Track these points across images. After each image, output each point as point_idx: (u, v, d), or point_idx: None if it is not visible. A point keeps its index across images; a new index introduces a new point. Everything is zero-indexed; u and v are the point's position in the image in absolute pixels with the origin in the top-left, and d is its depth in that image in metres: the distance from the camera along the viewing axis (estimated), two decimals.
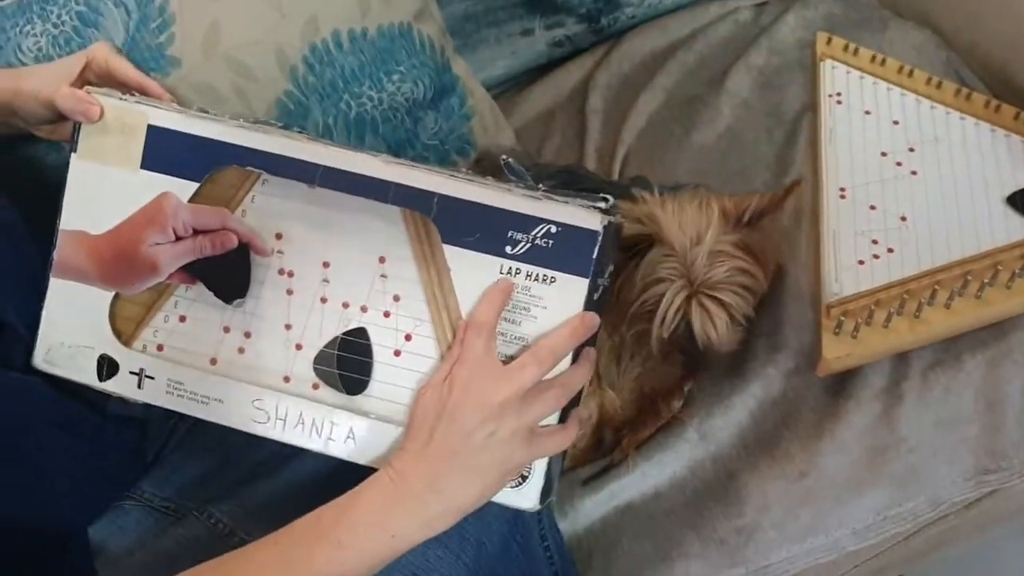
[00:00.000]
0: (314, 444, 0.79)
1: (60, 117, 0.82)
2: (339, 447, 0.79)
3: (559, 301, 0.75)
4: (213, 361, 0.82)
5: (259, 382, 0.80)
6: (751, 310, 0.89)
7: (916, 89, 1.08)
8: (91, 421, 0.87)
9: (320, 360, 0.80)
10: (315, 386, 0.80)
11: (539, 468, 0.77)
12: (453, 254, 0.76)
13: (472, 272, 0.76)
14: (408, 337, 0.79)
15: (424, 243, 0.78)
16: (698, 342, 0.87)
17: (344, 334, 0.80)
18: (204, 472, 0.93)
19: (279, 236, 0.80)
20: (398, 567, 0.72)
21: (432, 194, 0.75)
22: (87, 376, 0.83)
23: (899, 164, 1.02)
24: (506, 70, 1.21)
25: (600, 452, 0.98)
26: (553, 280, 0.75)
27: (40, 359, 0.83)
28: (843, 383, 0.95)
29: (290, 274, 0.81)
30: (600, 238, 0.74)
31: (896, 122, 1.05)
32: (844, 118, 1.06)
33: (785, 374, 0.96)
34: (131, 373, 0.82)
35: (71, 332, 0.83)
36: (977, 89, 1.10)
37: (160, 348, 0.82)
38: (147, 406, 0.84)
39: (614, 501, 0.94)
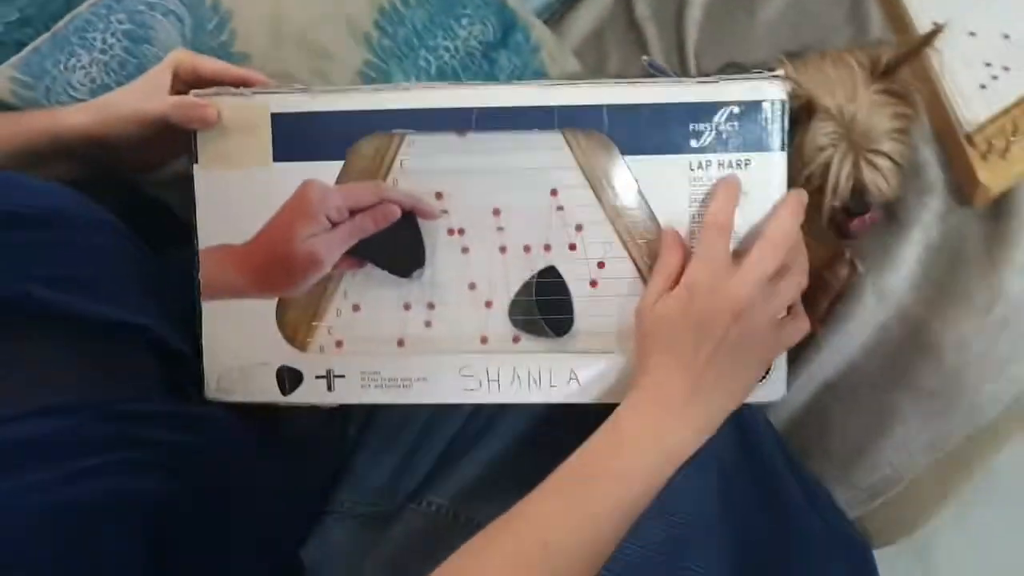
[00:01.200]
0: (536, 396, 0.76)
1: (157, 137, 0.75)
2: (563, 391, 0.75)
3: (760, 183, 0.72)
4: (401, 343, 0.77)
5: (458, 350, 0.76)
6: (911, 154, 0.87)
7: None
8: (278, 441, 0.82)
9: (515, 311, 0.76)
10: (516, 339, 0.76)
11: (780, 356, 0.75)
12: (635, 164, 0.73)
13: (660, 178, 0.73)
14: (601, 264, 0.75)
15: (596, 163, 0.74)
16: (870, 199, 0.84)
17: (534, 278, 0.76)
18: (398, 465, 0.88)
19: (439, 196, 0.76)
20: None
21: (600, 107, 0.72)
22: (269, 394, 0.78)
23: None
24: (542, 1, 1.17)
25: None
26: (748, 163, 0.72)
27: (212, 390, 0.78)
28: (998, 211, 0.93)
29: (460, 232, 0.76)
30: (788, 106, 0.71)
31: None
32: None
33: (940, 215, 0.94)
34: (317, 377, 0.77)
35: (239, 353, 0.77)
36: None
37: (339, 344, 0.77)
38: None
39: (812, 383, 0.92)
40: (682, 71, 1.10)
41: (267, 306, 0.76)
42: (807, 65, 0.86)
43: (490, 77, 1.01)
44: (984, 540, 1.26)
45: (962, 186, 0.94)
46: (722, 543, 0.69)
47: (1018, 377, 0.91)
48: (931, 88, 0.97)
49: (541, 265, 0.76)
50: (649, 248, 0.74)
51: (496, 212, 0.76)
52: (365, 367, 0.76)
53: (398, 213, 0.74)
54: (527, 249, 0.76)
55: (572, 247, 0.75)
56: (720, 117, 0.72)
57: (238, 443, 0.75)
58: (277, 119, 0.75)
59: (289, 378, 0.77)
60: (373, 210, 0.74)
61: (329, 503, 0.87)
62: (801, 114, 0.83)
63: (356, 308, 0.77)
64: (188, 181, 0.76)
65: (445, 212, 0.76)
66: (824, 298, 0.94)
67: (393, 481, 0.87)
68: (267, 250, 0.75)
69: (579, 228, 0.75)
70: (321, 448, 0.88)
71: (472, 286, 0.76)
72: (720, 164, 0.72)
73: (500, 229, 0.76)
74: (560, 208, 0.75)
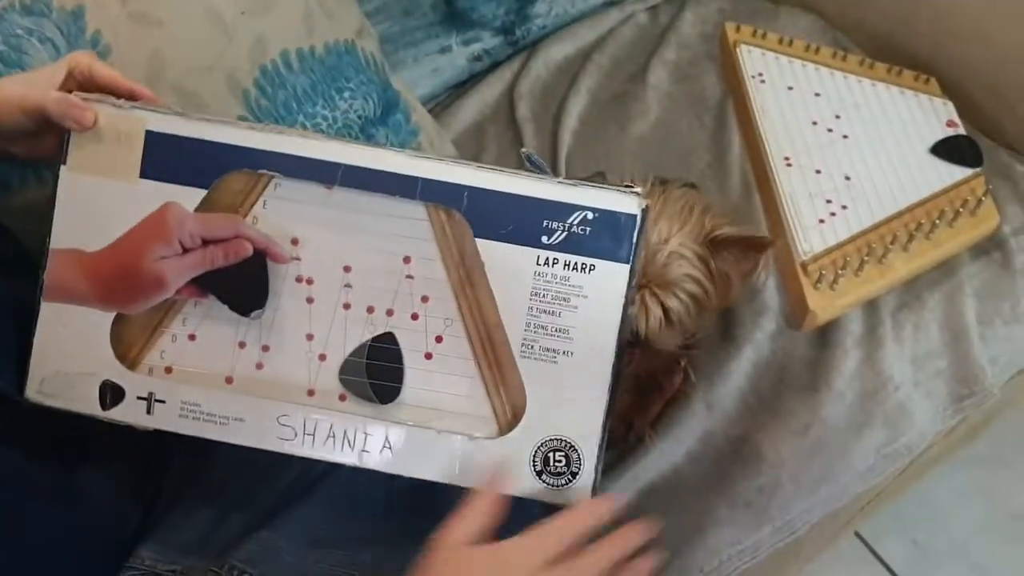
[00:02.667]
0: (347, 458, 0.76)
1: (42, 128, 0.74)
2: (375, 459, 0.76)
3: (600, 289, 0.75)
4: (229, 380, 0.77)
5: (282, 397, 0.76)
6: (691, 319, 0.87)
7: (827, 63, 1.16)
8: (68, 485, 0.79)
9: (346, 370, 0.77)
10: (342, 397, 0.77)
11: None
12: (486, 248, 0.75)
13: (507, 266, 0.75)
14: (439, 339, 0.77)
15: (451, 240, 0.76)
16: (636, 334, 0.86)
17: (371, 340, 0.77)
18: (210, 521, 0.86)
19: (295, 242, 0.77)
20: None
21: (462, 187, 0.74)
22: (89, 406, 0.76)
23: (830, 130, 1.09)
24: (430, 88, 1.21)
25: (610, 443, 0.98)
26: (593, 268, 0.74)
27: (33, 391, 0.76)
28: (824, 336, 0.99)
29: (309, 281, 0.77)
30: (639, 222, 0.74)
31: (817, 94, 1.12)
32: (770, 95, 1.12)
33: (771, 336, 1.00)
34: (139, 398, 0.76)
35: (68, 359, 0.76)
36: None
37: (168, 370, 0.77)
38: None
39: (637, 484, 0.94)
40: (552, 173, 1.14)
41: (105, 318, 0.75)
42: (663, 196, 0.90)
43: None
44: None
45: (794, 311, 0.99)
46: None
47: (828, 498, 0.95)
48: (775, 216, 1.03)
49: (381, 329, 0.77)
50: (489, 333, 0.76)
51: (347, 268, 0.77)
52: (187, 397, 0.75)
53: (250, 250, 0.74)
54: (370, 310, 0.76)
55: (414, 317, 0.77)
56: (574, 219, 0.75)
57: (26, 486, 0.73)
58: (151, 136, 0.74)
59: (112, 393, 0.76)
60: (227, 243, 0.74)
61: (131, 558, 0.84)
62: None
63: (192, 337, 0.77)
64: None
65: (297, 259, 0.76)
66: (658, 402, 0.97)
67: (201, 541, 0.85)
68: (116, 263, 0.73)
69: (424, 299, 0.76)
70: (128, 499, 0.85)
71: (310, 336, 0.77)
72: (566, 264, 0.75)
73: (348, 286, 0.77)
74: (410, 277, 0.76)
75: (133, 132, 0.74)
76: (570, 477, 0.76)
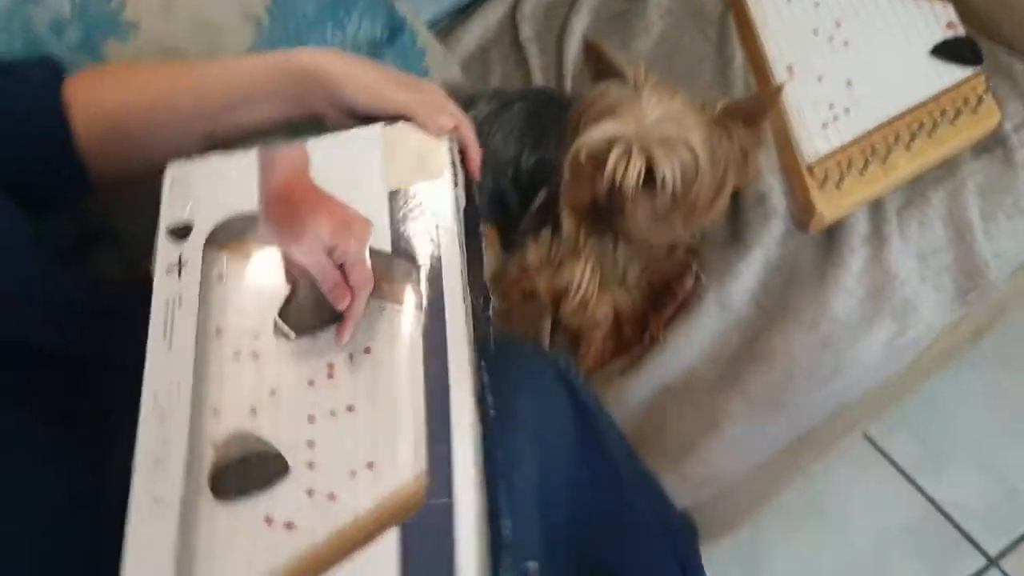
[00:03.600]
0: None
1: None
2: None
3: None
4: None
5: None
6: (673, 185, 0.87)
7: None
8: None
9: None
10: None
11: None
12: None
13: None
14: None
15: None
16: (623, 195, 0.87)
17: None
18: None
19: None
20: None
21: None
22: None
23: (831, 39, 1.10)
24: (431, 14, 1.22)
25: (625, 346, 1.02)
26: None
27: None
28: (831, 237, 1.02)
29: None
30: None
31: (817, 3, 1.13)
32: (770, 6, 1.14)
33: (779, 238, 1.02)
34: None
35: None
36: None
37: None
38: None
39: (653, 383, 0.98)
40: (560, 89, 1.16)
41: None
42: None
43: None
44: (811, 552, 1.34)
45: (800, 213, 1.02)
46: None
47: (839, 390, 0.99)
48: (780, 122, 1.06)
49: None
50: None
51: None
52: None
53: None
54: None
55: None
56: None
57: None
58: None
59: None
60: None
61: None
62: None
63: None
64: None
65: None
66: (671, 305, 1.00)
67: None
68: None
69: None
70: None
71: None
72: None
73: None
74: None
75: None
76: None
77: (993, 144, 1.06)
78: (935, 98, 1.05)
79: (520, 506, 0.75)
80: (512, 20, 1.24)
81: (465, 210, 0.70)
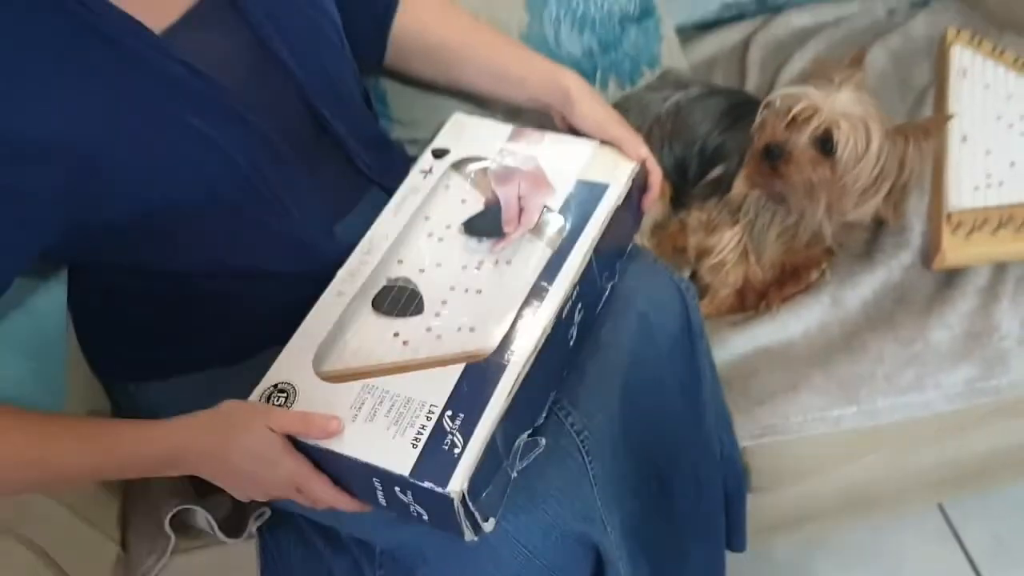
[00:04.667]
0: None
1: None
2: None
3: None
4: None
5: None
6: (840, 156, 1.04)
7: None
8: None
9: None
10: None
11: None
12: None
13: None
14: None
15: None
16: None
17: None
18: None
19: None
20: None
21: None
22: None
23: (1011, 126, 1.25)
24: (679, 21, 1.45)
25: (742, 308, 1.19)
26: None
27: None
28: (951, 279, 1.16)
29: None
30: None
31: (1011, 96, 1.29)
32: (967, 88, 1.30)
33: (905, 267, 1.18)
34: None
35: None
36: None
37: None
38: None
39: (755, 342, 1.14)
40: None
41: None
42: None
43: (617, 40, 1.29)
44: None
45: (929, 250, 1.17)
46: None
47: (912, 404, 1.12)
48: (939, 174, 1.21)
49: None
50: None
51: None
52: None
53: None
54: None
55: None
56: None
57: None
58: None
59: None
60: None
61: None
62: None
63: None
64: None
65: None
66: (792, 287, 1.17)
67: None
68: None
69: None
70: None
71: None
72: None
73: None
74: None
75: None
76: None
77: None
78: None
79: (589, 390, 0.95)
80: (745, 45, 1.45)
81: (620, 207, 0.93)
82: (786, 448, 1.11)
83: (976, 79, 1.31)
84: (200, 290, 0.95)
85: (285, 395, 0.82)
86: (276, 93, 0.92)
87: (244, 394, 0.83)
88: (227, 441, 0.79)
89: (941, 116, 1.15)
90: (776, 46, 1.44)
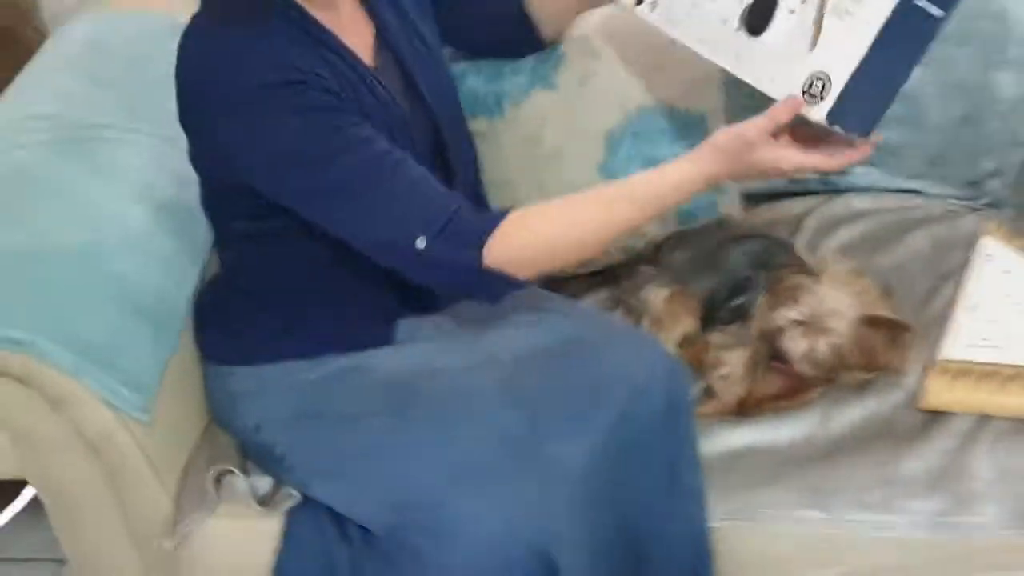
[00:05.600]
0: None
1: None
2: None
3: None
4: (692, 3, 1.21)
5: None
6: (826, 363, 1.27)
7: None
8: None
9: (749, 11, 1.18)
10: (736, 28, 1.19)
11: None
12: None
13: None
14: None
15: None
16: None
17: None
18: None
19: None
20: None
21: None
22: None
23: (1018, 305, 1.37)
24: (752, 187, 1.65)
25: (740, 414, 1.33)
26: None
27: None
28: (936, 420, 1.27)
29: None
30: None
31: (1009, 272, 1.42)
32: (990, 270, 1.43)
33: (895, 405, 1.30)
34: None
35: None
36: None
37: None
38: None
39: (744, 440, 1.28)
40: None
41: None
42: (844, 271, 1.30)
43: None
44: None
45: (917, 389, 1.29)
46: None
47: (879, 522, 1.20)
48: (939, 336, 1.34)
49: None
50: None
51: None
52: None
53: None
54: None
55: None
56: None
57: None
58: None
59: None
60: None
61: None
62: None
63: None
64: None
65: None
66: (789, 402, 1.31)
67: None
68: None
69: None
70: None
71: None
72: None
73: None
74: None
75: None
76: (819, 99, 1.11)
77: None
78: None
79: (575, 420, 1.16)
80: (806, 213, 1.65)
81: None
82: (753, 538, 1.22)
83: (999, 264, 1.45)
84: (334, 272, 1.22)
85: (822, 83, 1.11)
86: (422, 130, 1.24)
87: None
88: (738, 163, 1.12)
89: (905, 326, 1.31)
90: (831, 219, 1.63)
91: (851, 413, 1.29)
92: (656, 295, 1.43)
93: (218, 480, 1.25)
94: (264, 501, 1.24)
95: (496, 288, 1.14)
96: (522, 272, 1.12)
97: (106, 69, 1.48)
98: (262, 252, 1.24)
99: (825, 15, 1.13)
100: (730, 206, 1.57)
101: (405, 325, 1.29)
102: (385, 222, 1.10)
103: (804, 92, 1.13)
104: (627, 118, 1.46)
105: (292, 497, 1.23)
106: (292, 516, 1.23)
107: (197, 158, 1.22)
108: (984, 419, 1.27)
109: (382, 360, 1.25)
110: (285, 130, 1.08)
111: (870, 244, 1.57)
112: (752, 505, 1.22)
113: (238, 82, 1.08)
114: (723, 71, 1.22)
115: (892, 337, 1.28)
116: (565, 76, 1.46)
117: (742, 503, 1.22)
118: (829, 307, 1.25)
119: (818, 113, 1.11)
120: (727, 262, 1.43)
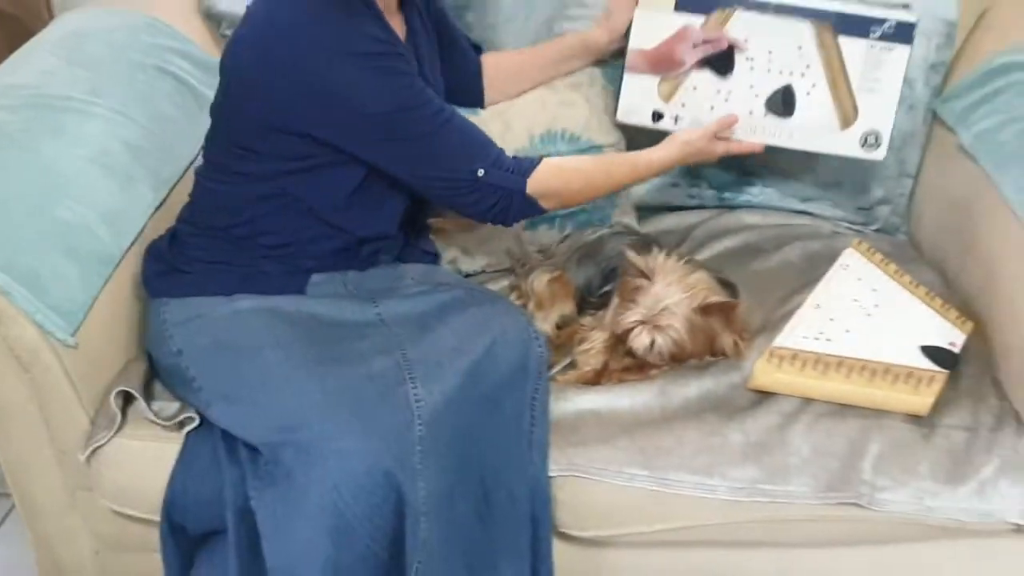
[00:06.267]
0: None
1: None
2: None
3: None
4: (711, 108, 1.60)
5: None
6: (669, 354, 1.45)
7: (901, 281, 1.59)
8: None
9: (769, 101, 1.61)
10: (764, 114, 1.63)
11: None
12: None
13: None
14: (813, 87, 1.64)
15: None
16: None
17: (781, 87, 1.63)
18: None
19: (745, 39, 1.62)
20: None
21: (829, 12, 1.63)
22: (644, 119, 1.68)
23: (863, 308, 1.52)
24: (649, 200, 1.84)
25: (595, 383, 1.48)
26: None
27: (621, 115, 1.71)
28: (764, 399, 1.42)
29: (749, 59, 1.59)
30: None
31: (875, 290, 1.56)
32: (842, 276, 1.59)
33: (730, 384, 1.45)
34: (670, 117, 1.66)
35: (638, 98, 1.67)
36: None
37: (683, 104, 1.63)
38: None
39: (591, 404, 1.43)
40: None
41: (655, 79, 1.67)
42: (675, 265, 1.46)
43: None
44: None
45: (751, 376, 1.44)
46: None
47: (700, 484, 1.35)
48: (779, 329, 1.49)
49: (785, 81, 1.64)
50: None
51: (769, 51, 1.63)
52: (690, 117, 1.66)
53: (725, 45, 1.62)
54: (780, 72, 1.63)
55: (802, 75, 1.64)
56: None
57: None
58: None
59: (655, 116, 1.68)
60: (716, 41, 1.62)
61: None
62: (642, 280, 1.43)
63: (695, 88, 1.65)
64: None
65: (745, 48, 1.63)
66: (636, 375, 1.47)
67: None
68: (661, 53, 1.65)
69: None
70: None
71: (751, 86, 1.63)
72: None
73: (770, 59, 1.63)
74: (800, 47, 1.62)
75: None
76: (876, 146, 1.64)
77: (925, 425, 1.38)
78: (894, 364, 1.41)
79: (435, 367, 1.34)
80: (697, 225, 1.81)
81: None
82: (587, 490, 1.37)
83: (853, 272, 1.60)
84: (313, 228, 1.46)
85: (875, 136, 1.65)
86: None
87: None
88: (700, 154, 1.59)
89: (733, 304, 1.48)
90: (719, 230, 1.79)
91: (688, 389, 1.44)
92: (539, 280, 1.60)
93: (128, 403, 1.44)
94: (169, 424, 1.42)
95: (529, 211, 1.48)
96: (549, 203, 1.47)
97: (83, 52, 1.69)
98: (243, 195, 1.46)
99: (855, 93, 1.62)
100: (623, 215, 1.75)
101: (318, 279, 1.49)
102: (452, 157, 1.42)
103: (862, 146, 1.64)
104: (531, 142, 1.71)
105: (192, 421, 1.41)
106: (190, 438, 1.41)
107: (242, 106, 1.42)
108: (807, 402, 1.41)
109: (288, 305, 1.45)
110: (376, 88, 1.35)
111: (748, 253, 1.73)
112: (588, 460, 1.37)
113: (338, 47, 1.34)
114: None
115: (726, 318, 1.44)
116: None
117: (580, 459, 1.38)
118: (664, 304, 1.42)
119: (879, 155, 1.65)
120: (602, 253, 1.60)
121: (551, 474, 1.38)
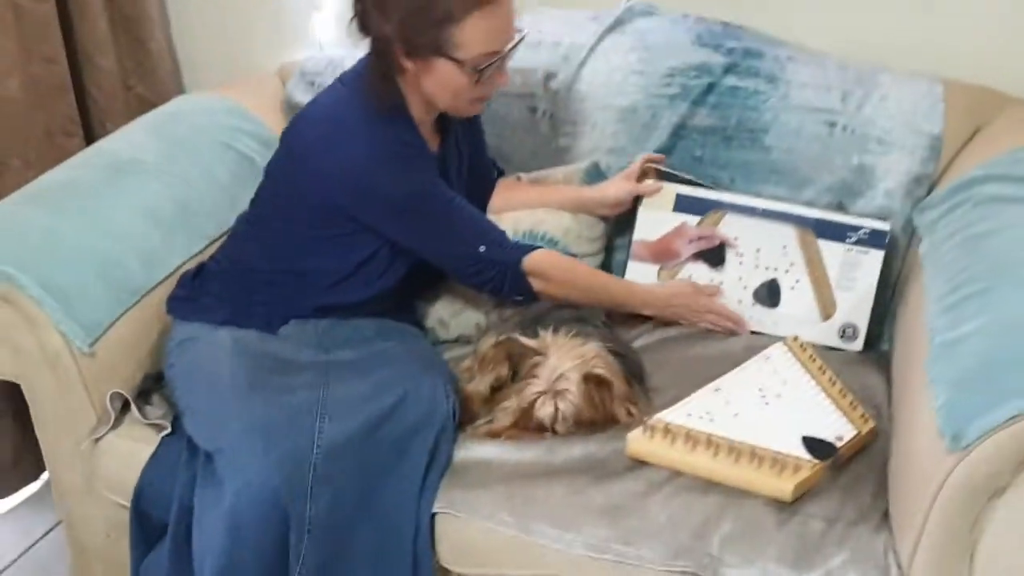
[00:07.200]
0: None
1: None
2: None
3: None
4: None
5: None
6: (573, 419, 1.59)
7: (818, 377, 1.63)
8: None
9: (756, 293, 1.78)
10: (752, 304, 1.81)
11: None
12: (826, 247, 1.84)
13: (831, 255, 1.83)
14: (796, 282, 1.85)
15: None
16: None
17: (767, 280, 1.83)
18: None
19: (735, 238, 1.85)
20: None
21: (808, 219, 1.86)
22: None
23: (763, 397, 1.58)
24: None
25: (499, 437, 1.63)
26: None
27: None
28: (638, 467, 1.52)
29: (739, 254, 1.81)
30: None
31: (785, 383, 1.61)
32: (760, 366, 1.66)
33: (612, 449, 1.56)
34: None
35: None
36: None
37: None
38: None
39: (485, 454, 1.58)
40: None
41: (655, 267, 1.92)
42: (567, 342, 1.60)
43: None
44: None
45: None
46: None
47: (557, 537, 1.46)
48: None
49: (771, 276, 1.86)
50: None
51: (757, 249, 1.86)
52: None
53: (717, 242, 1.86)
54: (767, 268, 1.86)
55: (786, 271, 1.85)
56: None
57: None
58: (678, 196, 1.89)
59: None
60: (709, 238, 1.86)
61: None
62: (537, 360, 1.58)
63: (690, 277, 1.90)
64: None
65: (736, 245, 1.85)
66: (529, 436, 1.60)
67: None
68: (661, 246, 1.90)
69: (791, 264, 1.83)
70: None
71: (740, 278, 1.87)
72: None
73: (757, 255, 1.86)
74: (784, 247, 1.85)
75: (669, 194, 1.90)
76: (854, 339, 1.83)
77: (786, 511, 1.42)
78: (762, 448, 1.46)
79: (345, 402, 1.57)
80: None
81: None
82: (465, 530, 1.52)
83: (772, 364, 1.66)
84: (316, 285, 1.77)
85: (852, 328, 1.84)
86: None
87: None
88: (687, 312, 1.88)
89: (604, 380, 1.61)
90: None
91: (573, 449, 1.56)
92: (485, 343, 1.78)
93: (126, 406, 1.75)
94: (153, 425, 1.73)
95: (521, 284, 1.74)
96: (538, 284, 1.74)
97: (167, 128, 2.09)
98: (267, 249, 1.79)
99: (834, 290, 1.82)
100: None
101: (292, 325, 1.77)
102: (459, 238, 1.72)
103: (840, 337, 1.81)
104: (514, 237, 1.89)
105: (165, 428, 1.70)
106: (164, 440, 1.71)
107: (298, 183, 1.74)
108: (676, 474, 1.50)
109: (255, 341, 1.73)
110: (398, 176, 1.67)
111: (696, 339, 1.83)
112: (463, 501, 1.53)
113: (376, 143, 1.67)
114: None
115: (609, 389, 1.56)
116: None
117: (458, 499, 1.53)
118: (559, 372, 1.57)
119: (857, 346, 1.82)
120: (544, 324, 1.76)
121: (434, 510, 1.54)
